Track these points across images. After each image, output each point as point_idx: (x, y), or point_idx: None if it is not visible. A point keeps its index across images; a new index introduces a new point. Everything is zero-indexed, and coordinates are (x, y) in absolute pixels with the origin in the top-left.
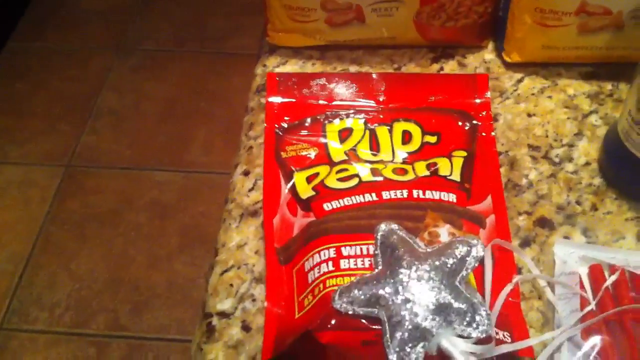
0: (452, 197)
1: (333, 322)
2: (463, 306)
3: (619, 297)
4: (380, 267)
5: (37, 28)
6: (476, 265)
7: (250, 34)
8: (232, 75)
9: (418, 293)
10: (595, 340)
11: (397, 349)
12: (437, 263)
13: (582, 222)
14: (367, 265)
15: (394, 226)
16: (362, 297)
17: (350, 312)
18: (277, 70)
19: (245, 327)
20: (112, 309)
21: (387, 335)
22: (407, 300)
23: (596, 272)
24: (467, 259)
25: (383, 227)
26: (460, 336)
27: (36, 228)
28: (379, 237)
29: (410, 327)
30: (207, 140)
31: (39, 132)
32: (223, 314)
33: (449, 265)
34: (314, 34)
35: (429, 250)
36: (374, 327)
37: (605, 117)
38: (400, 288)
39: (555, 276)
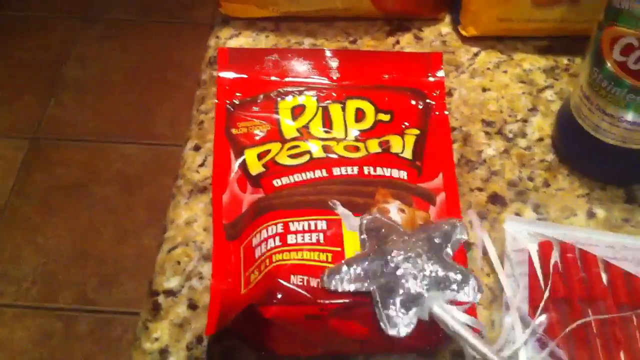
0: (402, 174)
1: (278, 296)
2: (452, 274)
3: (567, 275)
4: (367, 247)
5: None
6: (461, 244)
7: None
8: (199, 46)
9: (407, 263)
10: (543, 317)
11: (389, 316)
12: (423, 236)
13: (534, 198)
14: (314, 240)
15: (377, 215)
16: (352, 273)
17: (340, 290)
18: (231, 42)
19: (192, 306)
20: (80, 283)
21: (380, 305)
22: (396, 268)
23: (546, 249)
24: (452, 236)
25: (368, 216)
26: (452, 302)
27: (1, 202)
28: (364, 223)
29: (401, 292)
30: (173, 113)
31: (1, 103)
32: (170, 292)
33: (434, 240)
34: (268, 5)
35: (413, 231)
36: (318, 301)
37: (560, 92)
38: (389, 258)
39: (505, 253)
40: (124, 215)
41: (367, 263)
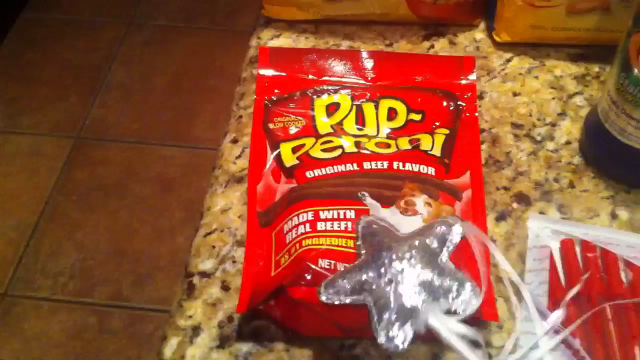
0: (430, 170)
1: (306, 278)
2: (448, 282)
3: (588, 272)
4: (363, 256)
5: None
6: (456, 244)
7: (258, 11)
8: (241, 51)
9: (402, 273)
10: (561, 311)
11: (385, 331)
12: (417, 243)
13: (558, 198)
14: (342, 228)
15: (373, 217)
16: (348, 285)
17: (337, 303)
18: (271, 42)
19: (225, 287)
20: (115, 280)
21: (375, 319)
22: (390, 281)
23: (567, 247)
24: (448, 237)
25: (363, 219)
26: (449, 311)
27: (43, 198)
28: (359, 228)
29: (396, 307)
30: (214, 117)
31: (48, 102)
32: (204, 274)
33: (429, 245)
34: (308, 8)
35: (409, 233)
36: None
37: (590, 99)
38: (383, 271)
39: (527, 249)
40: (161, 215)
41: (361, 275)
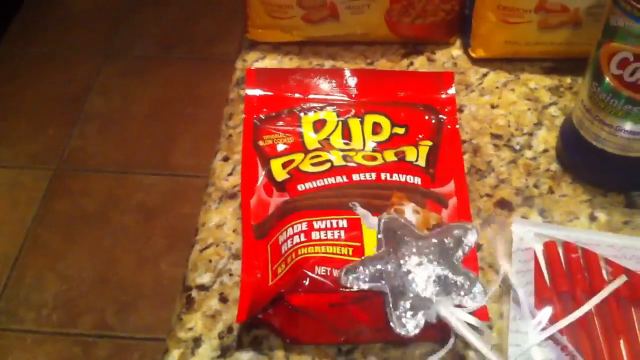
0: (417, 180)
1: (304, 285)
2: (461, 279)
3: (571, 271)
4: (383, 248)
5: (26, 33)
6: (472, 247)
7: (236, 38)
8: (219, 80)
9: (419, 267)
10: (548, 310)
11: (399, 317)
12: (435, 241)
13: (539, 203)
14: (336, 236)
15: (395, 215)
16: (367, 273)
17: (355, 288)
18: (257, 64)
19: (223, 299)
20: (99, 309)
21: (390, 305)
22: (408, 272)
23: (550, 248)
24: (464, 240)
25: (385, 215)
26: (459, 306)
27: (24, 229)
28: (381, 224)
29: (411, 296)
30: (193, 144)
31: (27, 134)
32: (202, 287)
33: (446, 244)
34: (291, 30)
35: (428, 233)
36: (341, 290)
37: (564, 109)
38: (402, 262)
39: (512, 252)
40: (143, 244)
41: (381, 264)
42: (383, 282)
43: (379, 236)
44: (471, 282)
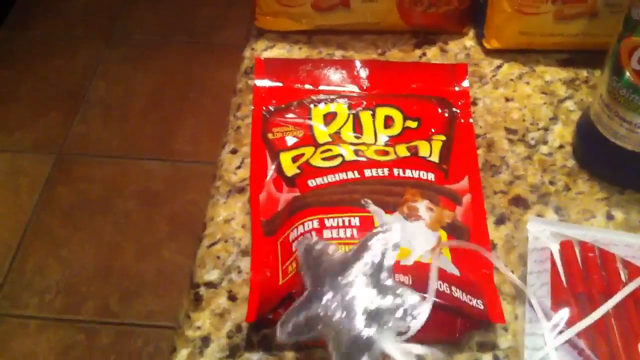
0: (430, 176)
1: None
2: (392, 303)
3: (588, 272)
4: (309, 287)
5: (26, 18)
6: (397, 251)
7: (238, 25)
8: (220, 66)
9: (348, 305)
10: (564, 312)
11: None
12: (359, 266)
13: (555, 201)
14: (348, 235)
15: (310, 240)
16: (302, 322)
17: (294, 341)
18: (265, 53)
19: (231, 297)
20: (102, 296)
21: (335, 355)
22: (340, 314)
23: (567, 248)
24: (386, 248)
25: (301, 243)
26: (403, 332)
27: (26, 216)
28: (301, 255)
29: (349, 340)
30: (195, 130)
31: (28, 120)
32: (210, 284)
33: (371, 265)
34: (301, 18)
35: (349, 254)
36: None
37: (580, 103)
38: (331, 304)
39: (528, 252)
40: (146, 230)
41: (312, 309)
42: (320, 327)
43: (302, 271)
44: (402, 299)
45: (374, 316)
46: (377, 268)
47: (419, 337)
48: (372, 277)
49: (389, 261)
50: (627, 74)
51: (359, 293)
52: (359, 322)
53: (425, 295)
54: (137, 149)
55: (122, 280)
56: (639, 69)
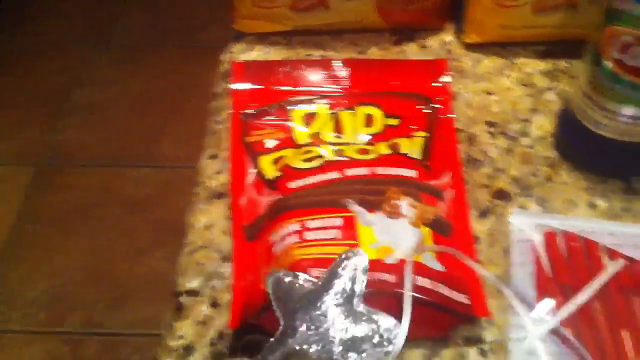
0: (412, 173)
1: None
2: (367, 330)
3: (572, 262)
4: (282, 323)
5: (10, 24)
6: (365, 276)
7: (227, 27)
8: (208, 69)
9: (324, 336)
10: (549, 302)
11: None
12: (330, 296)
13: (538, 192)
14: (331, 236)
15: (280, 274)
16: (279, 359)
17: None
18: (243, 56)
19: (214, 304)
20: (87, 306)
21: None
22: (316, 346)
23: (550, 239)
24: (355, 274)
25: (271, 277)
26: (385, 356)
27: (9, 226)
28: (270, 291)
29: None
30: (182, 135)
31: (12, 126)
32: (192, 292)
33: (342, 292)
34: (280, 20)
35: (319, 283)
36: None
37: (560, 93)
38: (306, 337)
39: (511, 244)
40: (132, 238)
41: (288, 347)
42: None
43: (273, 307)
44: (378, 326)
45: (351, 345)
46: (349, 295)
47: (407, 336)
48: (344, 305)
49: (359, 286)
50: (607, 63)
51: (333, 323)
52: (336, 353)
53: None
54: (123, 155)
55: (107, 289)
56: (620, 58)
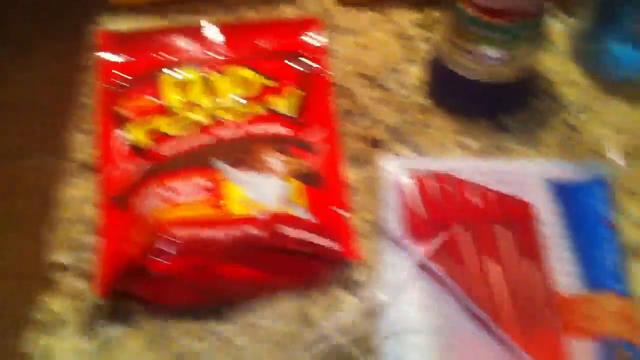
0: (285, 130)
1: (163, 251)
2: None
3: (444, 202)
4: None
5: None
6: None
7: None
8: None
9: None
10: (421, 242)
11: None
12: None
13: (412, 139)
14: (198, 198)
15: None
16: None
17: None
18: (114, 27)
19: (85, 276)
20: None
21: None
22: None
23: (423, 182)
24: None
25: None
26: None
27: None
28: None
29: None
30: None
31: None
32: (62, 267)
33: None
34: None
35: None
36: (205, 250)
37: (433, 43)
38: None
39: (384, 189)
40: None
41: None
42: None
43: None
44: None
45: None
46: None
47: (279, 284)
48: None
49: None
50: (465, 6)
51: None
52: None
53: None
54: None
55: None
56: (475, 1)
